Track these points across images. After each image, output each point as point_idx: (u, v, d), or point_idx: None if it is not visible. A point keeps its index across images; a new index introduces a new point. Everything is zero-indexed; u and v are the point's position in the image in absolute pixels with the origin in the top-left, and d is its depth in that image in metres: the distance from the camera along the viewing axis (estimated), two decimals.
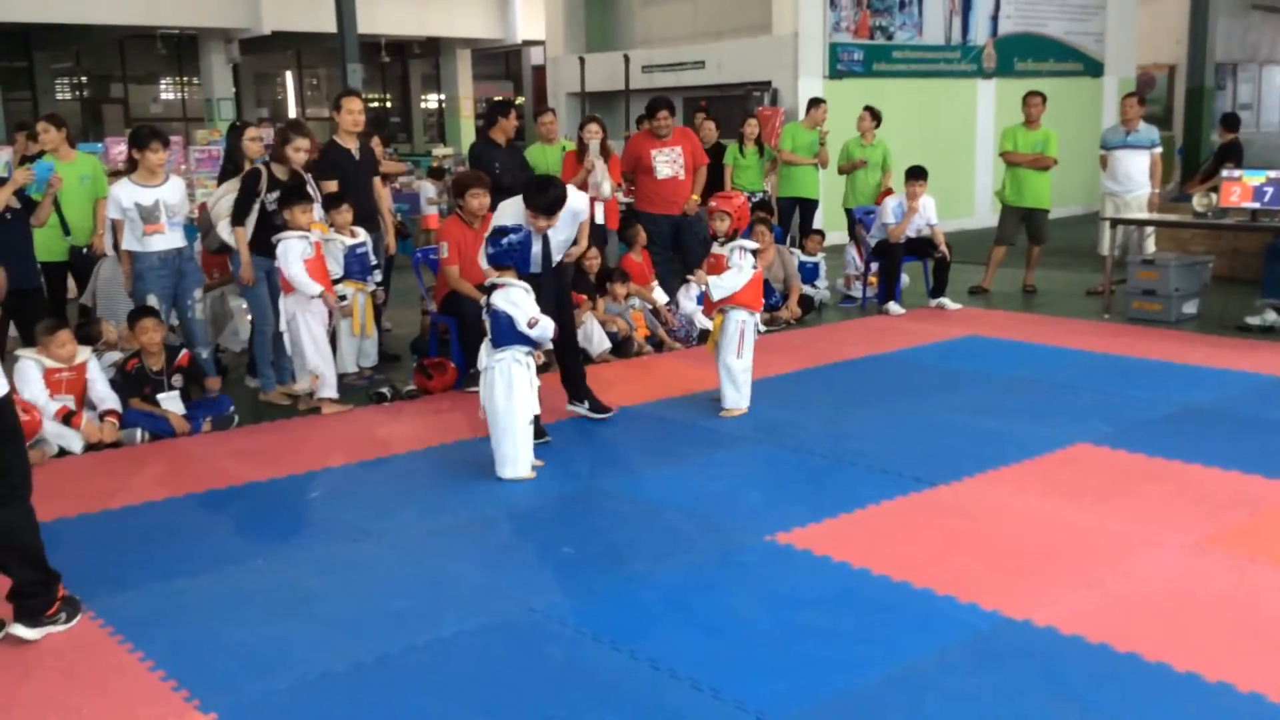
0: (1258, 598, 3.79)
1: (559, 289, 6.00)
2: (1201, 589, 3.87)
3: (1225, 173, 8.96)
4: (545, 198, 5.57)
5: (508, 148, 8.00)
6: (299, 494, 5.17)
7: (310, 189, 6.75)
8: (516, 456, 5.19)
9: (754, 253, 6.24)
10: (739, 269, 6.09)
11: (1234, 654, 3.39)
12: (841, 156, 10.50)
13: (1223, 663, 3.32)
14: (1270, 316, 8.14)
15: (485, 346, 5.27)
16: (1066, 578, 3.98)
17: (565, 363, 6.23)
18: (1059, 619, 3.62)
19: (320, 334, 6.34)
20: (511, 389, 5.15)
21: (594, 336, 7.62)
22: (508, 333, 5.16)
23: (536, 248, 5.68)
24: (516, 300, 5.17)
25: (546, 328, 5.22)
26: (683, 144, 8.57)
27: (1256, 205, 8.35)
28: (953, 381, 6.89)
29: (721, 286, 6.09)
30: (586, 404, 6.16)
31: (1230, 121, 12.27)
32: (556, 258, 5.89)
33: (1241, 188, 8.45)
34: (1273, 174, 8.42)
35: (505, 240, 5.22)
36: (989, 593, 3.83)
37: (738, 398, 6.19)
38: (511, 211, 5.68)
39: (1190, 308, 8.63)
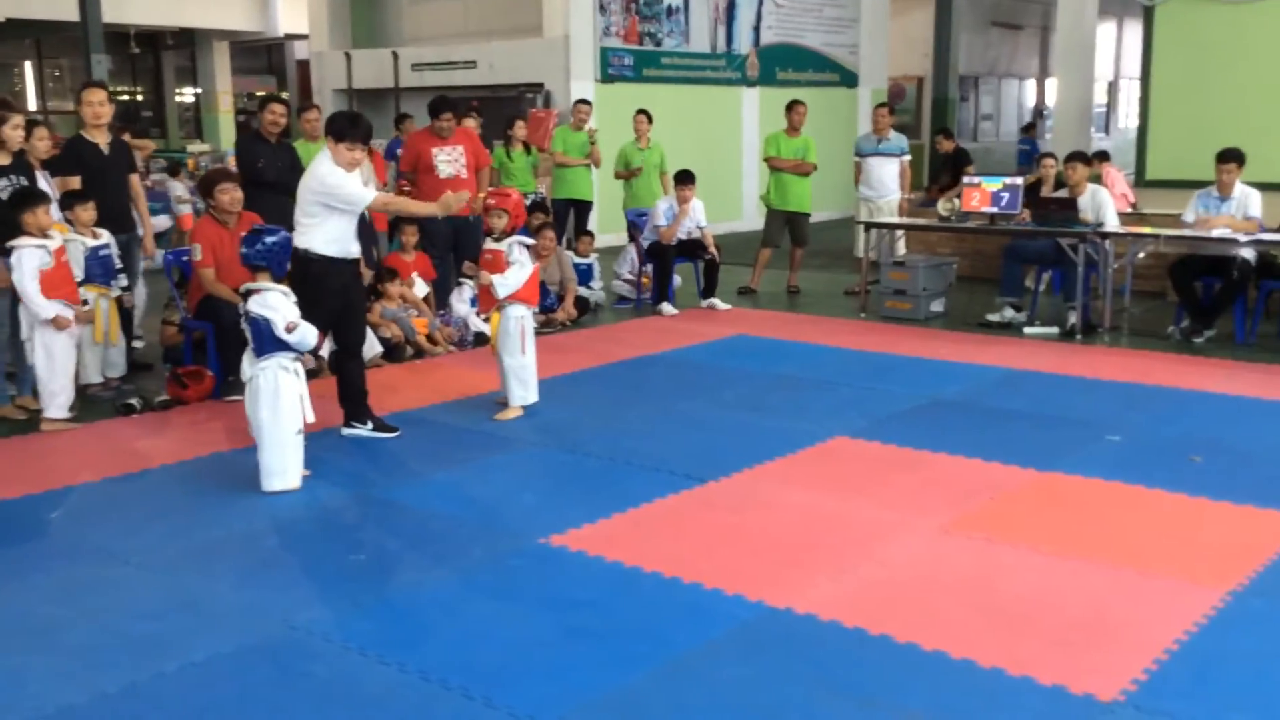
0: (997, 577, 4.05)
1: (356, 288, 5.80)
2: (947, 571, 4.11)
3: (967, 179, 9.58)
4: (361, 126, 5.54)
5: (277, 144, 7.66)
6: (36, 515, 4.78)
7: (45, 184, 6.29)
8: (285, 468, 4.96)
9: (529, 248, 6.21)
10: (520, 264, 6.05)
11: (976, 631, 3.61)
12: (618, 162, 10.62)
13: (966, 640, 3.53)
14: (1008, 313, 8.75)
15: (248, 355, 5.03)
16: (825, 565, 4.15)
17: (346, 374, 5.82)
18: (818, 605, 3.76)
19: (60, 348, 5.88)
20: (278, 398, 4.92)
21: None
22: (269, 340, 4.93)
23: (353, 227, 5.57)
24: (274, 304, 4.95)
25: (306, 334, 5.01)
26: (464, 143, 8.46)
27: (995, 210, 8.96)
28: (723, 379, 7.08)
29: (506, 284, 6.03)
30: (370, 424, 5.83)
31: (949, 132, 13.22)
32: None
33: (981, 193, 9.05)
34: (1009, 180, 9.06)
35: (263, 242, 5.02)
36: (753, 583, 3.94)
37: (524, 394, 6.13)
38: (329, 161, 5.47)
39: (937, 306, 9.18)
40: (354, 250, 5.63)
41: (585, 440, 5.76)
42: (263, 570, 4.21)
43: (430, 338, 7.89)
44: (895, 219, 10.15)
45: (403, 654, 3.48)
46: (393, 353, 7.59)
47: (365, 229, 8.26)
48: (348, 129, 5.46)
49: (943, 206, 9.55)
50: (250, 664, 3.44)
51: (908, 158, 10.51)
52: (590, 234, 10.17)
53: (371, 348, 7.42)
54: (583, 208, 10.72)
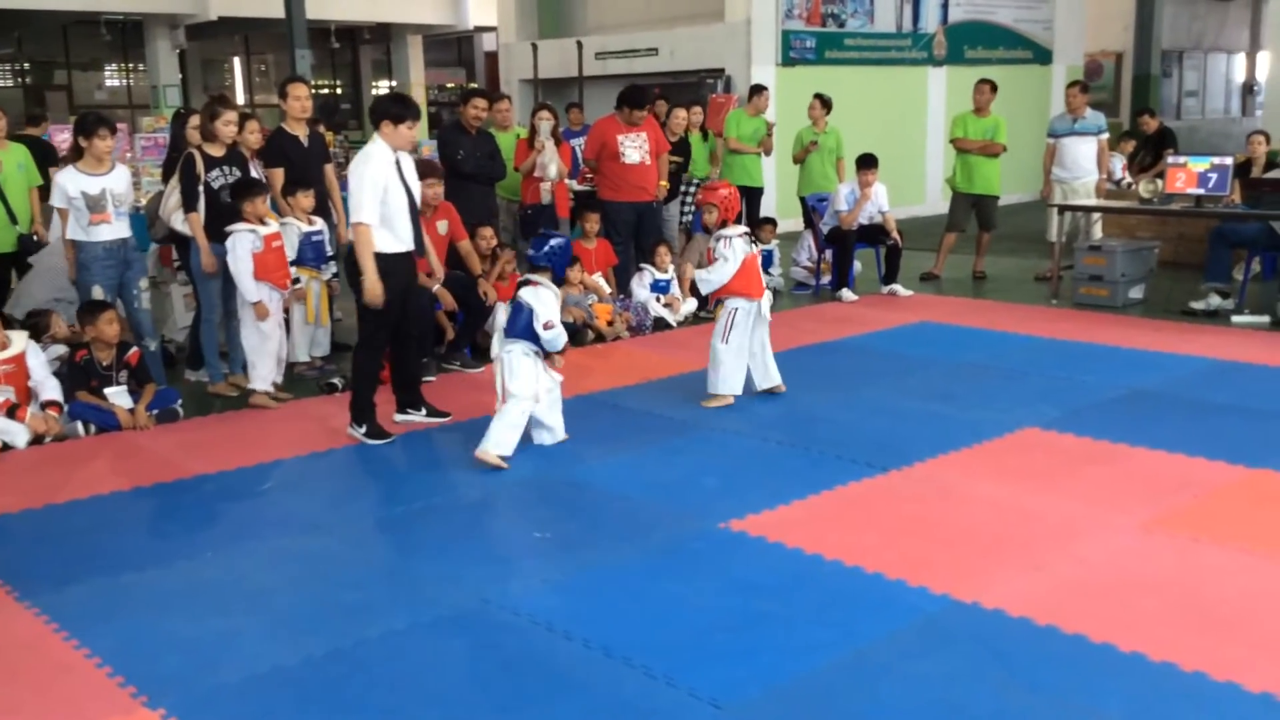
0: (1202, 578, 3.86)
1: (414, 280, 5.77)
2: (1147, 570, 3.93)
3: (1170, 159, 9.09)
4: (412, 105, 5.59)
5: (477, 135, 7.93)
6: (249, 487, 5.11)
7: (257, 174, 6.68)
8: (500, 440, 5.16)
9: (745, 235, 6.16)
10: (724, 260, 6.05)
11: (1178, 634, 3.45)
12: (795, 145, 10.51)
13: (1167, 642, 3.38)
14: (1214, 301, 8.27)
15: (498, 335, 5.39)
16: (1015, 560, 4.03)
17: (401, 361, 5.86)
18: (1007, 601, 3.66)
19: (269, 328, 6.24)
20: (514, 377, 5.20)
21: None
22: (524, 327, 5.23)
23: (405, 201, 5.50)
24: (544, 300, 5.25)
25: (558, 337, 5.29)
26: (648, 130, 8.56)
27: (1201, 191, 8.48)
28: (905, 367, 6.94)
29: (708, 281, 6.09)
30: (424, 411, 5.92)
31: (1152, 111, 12.55)
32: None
33: (1186, 174, 8.57)
34: (1216, 160, 8.55)
35: (549, 245, 5.40)
36: (939, 576, 3.87)
37: (715, 381, 6.10)
38: (379, 151, 5.41)
39: (1136, 293, 8.75)
40: (410, 241, 5.58)
41: (764, 426, 5.75)
42: (455, 544, 4.38)
43: (610, 322, 8.01)
44: (1092, 201, 9.71)
45: (587, 630, 3.56)
46: (574, 337, 7.73)
47: (547, 216, 8.51)
48: (405, 110, 5.48)
49: (1144, 188, 9.09)
50: (445, 634, 3.59)
51: (1106, 135, 10.04)
52: (772, 221, 10.10)
53: None
54: (754, 194, 10.62)
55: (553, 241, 5.42)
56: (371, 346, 5.68)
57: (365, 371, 5.67)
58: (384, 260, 5.42)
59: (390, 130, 5.43)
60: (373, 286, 5.37)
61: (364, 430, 5.63)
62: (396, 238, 5.50)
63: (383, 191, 5.37)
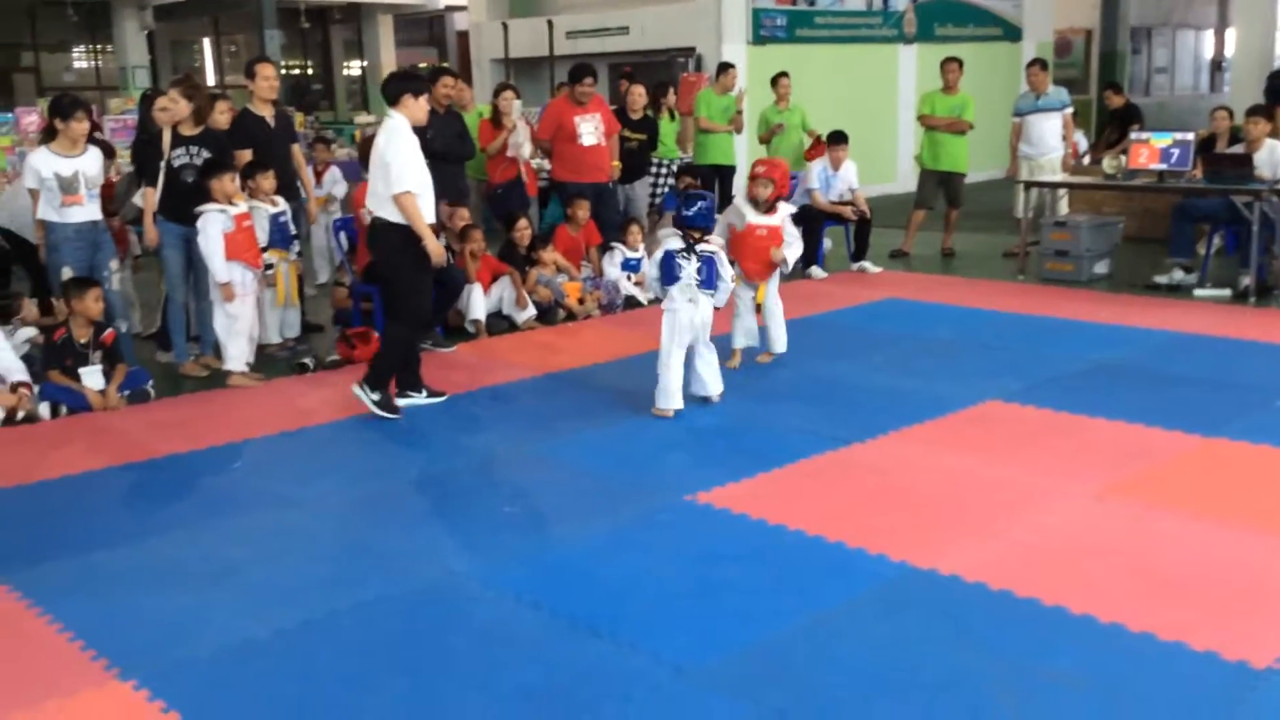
0: (1153, 543, 3.96)
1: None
2: (1100, 537, 4.03)
3: (1134, 135, 9.19)
4: (418, 77, 5.83)
5: (445, 114, 7.93)
6: (220, 465, 5.15)
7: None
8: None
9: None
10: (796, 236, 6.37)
11: (1128, 596, 3.55)
12: (760, 125, 10.55)
13: (1117, 605, 3.48)
14: (1177, 275, 8.40)
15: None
16: (972, 529, 4.13)
17: (406, 344, 5.78)
18: (963, 568, 3.75)
19: (239, 311, 6.27)
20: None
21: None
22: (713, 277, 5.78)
23: (428, 175, 5.63)
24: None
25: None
26: (601, 111, 8.59)
27: (1164, 167, 8.58)
28: (872, 343, 7.03)
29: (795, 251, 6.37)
30: (424, 392, 5.91)
31: (1117, 86, 12.67)
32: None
33: (1149, 150, 8.67)
34: (1179, 136, 8.65)
35: (698, 206, 5.69)
36: (898, 544, 3.95)
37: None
38: (404, 125, 5.52)
39: (1101, 268, 8.86)
40: (433, 215, 5.73)
41: (730, 401, 5.82)
42: (425, 519, 4.45)
43: (580, 300, 8.06)
44: (1057, 177, 9.81)
45: (554, 601, 3.63)
46: (545, 315, 7.79)
47: (519, 196, 8.54)
48: (422, 84, 5.77)
49: (1108, 164, 9.19)
50: (415, 605, 3.65)
51: (1070, 110, 10.12)
52: None
53: (527, 311, 7.66)
54: (726, 173, 10.64)
55: (701, 204, 5.74)
56: (413, 317, 5.77)
57: (401, 343, 5.73)
58: (406, 232, 5.51)
59: (412, 103, 5.60)
60: (436, 248, 5.59)
61: (376, 399, 5.65)
62: (426, 209, 5.62)
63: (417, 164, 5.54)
